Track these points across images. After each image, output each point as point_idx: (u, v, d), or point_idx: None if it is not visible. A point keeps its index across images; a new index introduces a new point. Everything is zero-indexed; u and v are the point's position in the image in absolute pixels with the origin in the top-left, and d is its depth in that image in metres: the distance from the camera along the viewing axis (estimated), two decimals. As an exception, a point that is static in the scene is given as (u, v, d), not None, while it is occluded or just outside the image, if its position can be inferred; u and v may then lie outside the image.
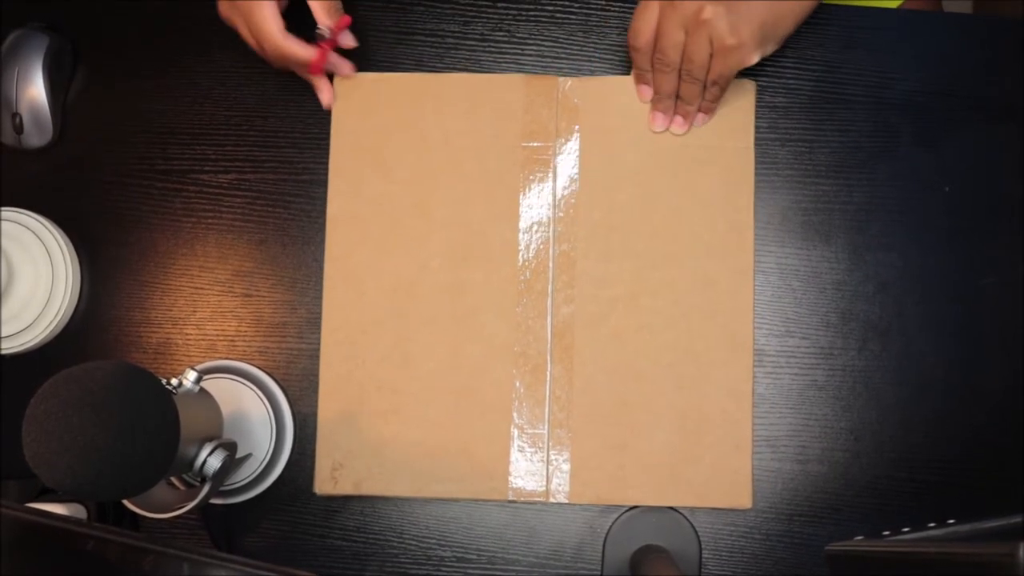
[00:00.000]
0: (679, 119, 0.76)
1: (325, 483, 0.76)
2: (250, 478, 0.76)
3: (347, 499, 0.78)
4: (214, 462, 0.63)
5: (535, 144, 0.77)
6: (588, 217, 0.77)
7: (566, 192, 0.77)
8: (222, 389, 0.76)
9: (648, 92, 0.76)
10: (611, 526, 0.77)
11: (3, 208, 0.78)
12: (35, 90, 0.78)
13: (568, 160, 0.77)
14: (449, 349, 0.77)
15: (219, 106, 0.81)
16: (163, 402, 0.57)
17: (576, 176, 0.77)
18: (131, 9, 0.81)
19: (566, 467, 0.75)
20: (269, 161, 0.80)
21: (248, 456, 0.76)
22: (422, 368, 0.77)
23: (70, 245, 0.79)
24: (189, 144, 0.81)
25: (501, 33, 0.80)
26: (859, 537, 0.51)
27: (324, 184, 0.79)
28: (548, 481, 0.75)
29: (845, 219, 0.78)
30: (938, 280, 0.78)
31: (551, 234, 0.77)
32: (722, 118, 0.77)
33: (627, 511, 0.77)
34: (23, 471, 0.55)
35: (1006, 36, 0.79)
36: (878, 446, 0.77)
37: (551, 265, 0.77)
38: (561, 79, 0.78)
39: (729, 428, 0.75)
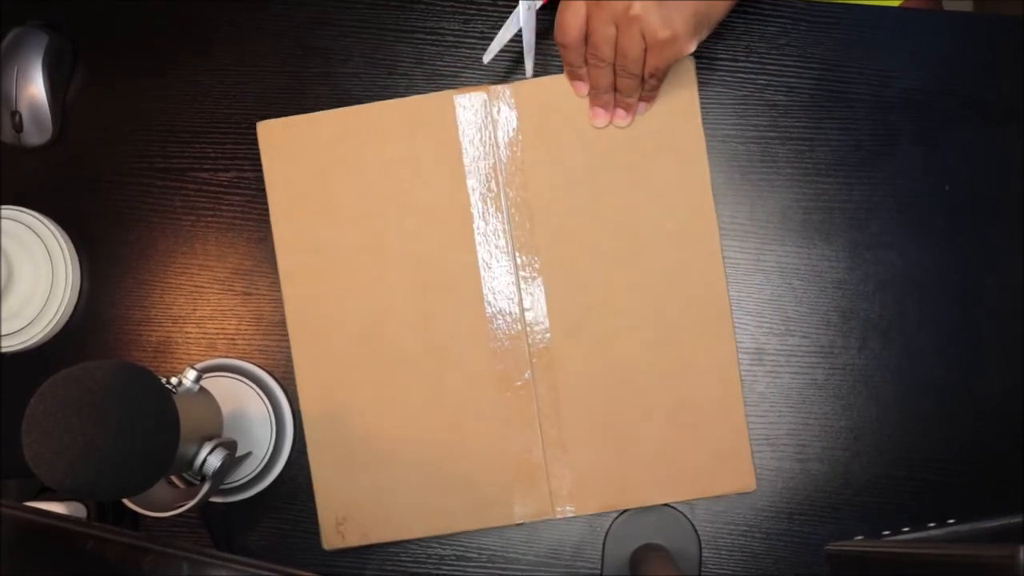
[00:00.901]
0: (621, 112, 0.74)
1: (332, 538, 0.76)
2: (250, 476, 0.76)
3: (347, 498, 0.78)
4: (214, 461, 0.63)
5: (479, 160, 0.76)
6: (546, 225, 0.76)
7: (519, 204, 0.76)
8: (222, 388, 0.76)
9: (583, 88, 0.74)
10: (611, 525, 0.77)
11: (3, 207, 0.78)
12: (35, 88, 0.78)
13: (516, 170, 0.76)
14: (429, 385, 0.75)
15: (219, 104, 0.80)
16: (163, 401, 0.57)
17: (527, 185, 0.76)
18: (131, 8, 0.81)
19: (568, 482, 0.75)
20: (269, 159, 0.80)
21: (248, 455, 0.76)
22: (406, 408, 0.76)
23: (70, 244, 0.79)
24: (189, 142, 0.80)
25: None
26: (859, 537, 0.51)
27: (324, 183, 0.79)
28: (552, 498, 0.75)
29: (845, 218, 0.78)
30: (938, 279, 0.78)
31: (511, 250, 0.76)
32: (665, 101, 0.75)
33: (627, 510, 0.77)
34: (23, 471, 0.55)
35: (1006, 36, 0.79)
36: (878, 445, 0.77)
37: (516, 283, 0.76)
38: (493, 87, 0.76)
39: (722, 414, 0.75)
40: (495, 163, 0.76)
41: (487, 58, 0.74)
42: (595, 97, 0.74)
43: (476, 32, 0.80)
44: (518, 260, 0.76)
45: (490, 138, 0.76)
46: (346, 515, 0.75)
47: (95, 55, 0.81)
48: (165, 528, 0.78)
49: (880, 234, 0.78)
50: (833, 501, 0.77)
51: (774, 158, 0.78)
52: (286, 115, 0.79)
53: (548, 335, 0.75)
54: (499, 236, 0.76)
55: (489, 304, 0.75)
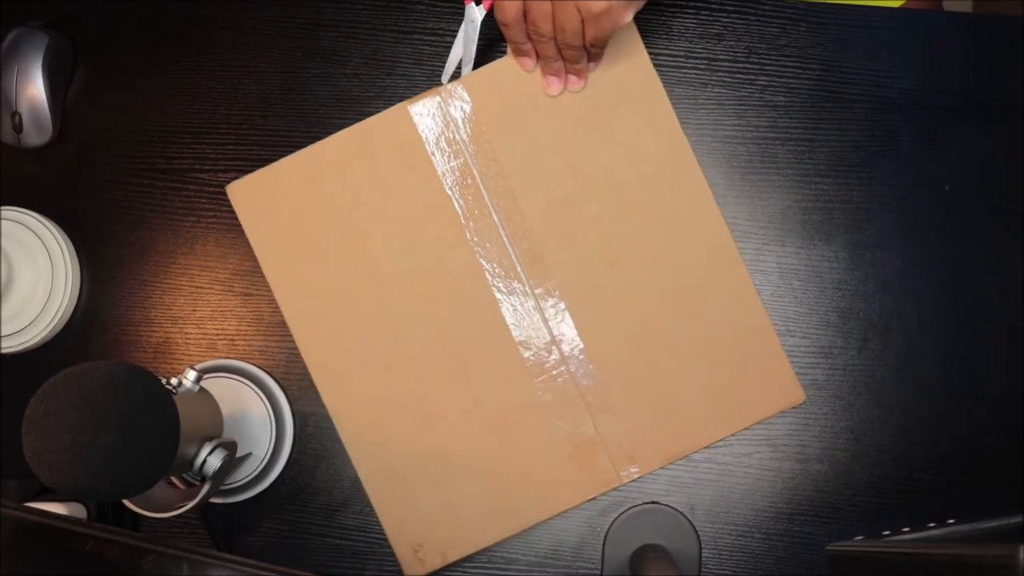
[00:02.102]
0: (572, 78, 0.74)
1: (413, 567, 0.75)
2: (250, 477, 0.76)
3: (346, 497, 0.78)
4: (214, 461, 0.63)
5: (449, 161, 0.75)
6: (533, 206, 0.75)
7: (501, 193, 0.75)
8: (222, 388, 0.76)
9: (529, 62, 0.74)
10: (611, 526, 0.77)
11: (3, 207, 0.78)
12: (35, 89, 0.78)
13: (488, 161, 0.75)
14: (465, 392, 0.75)
15: (219, 105, 0.81)
16: (163, 402, 0.57)
17: (503, 173, 0.75)
18: (131, 9, 0.81)
19: (625, 445, 0.75)
20: (269, 160, 0.80)
21: (248, 455, 0.76)
22: (447, 420, 0.75)
23: (70, 245, 0.79)
24: (189, 143, 0.81)
25: (498, 32, 0.79)
26: (859, 537, 0.51)
27: (324, 183, 0.79)
28: (615, 465, 0.75)
29: (845, 218, 0.78)
30: (938, 279, 0.78)
31: (506, 239, 0.75)
32: (611, 53, 0.74)
33: (627, 511, 0.77)
34: (23, 471, 0.55)
35: (1006, 36, 0.79)
36: (878, 445, 0.77)
37: (520, 269, 0.75)
38: (443, 87, 0.75)
39: (753, 337, 0.75)
40: (466, 160, 0.75)
41: (445, 79, 0.75)
42: (545, 66, 0.74)
43: (476, 33, 0.80)
44: (516, 248, 0.75)
45: (454, 137, 0.75)
46: (421, 541, 0.75)
47: (95, 56, 0.81)
48: (165, 529, 0.78)
49: (880, 234, 0.78)
50: (833, 501, 0.77)
51: (774, 159, 0.78)
52: (286, 117, 0.79)
53: (565, 311, 0.75)
54: (491, 230, 0.75)
55: (500, 299, 0.75)
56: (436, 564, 0.75)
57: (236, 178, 0.80)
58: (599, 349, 0.75)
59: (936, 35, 0.79)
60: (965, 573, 0.40)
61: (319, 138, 0.78)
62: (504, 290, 0.75)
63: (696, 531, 0.77)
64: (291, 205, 0.76)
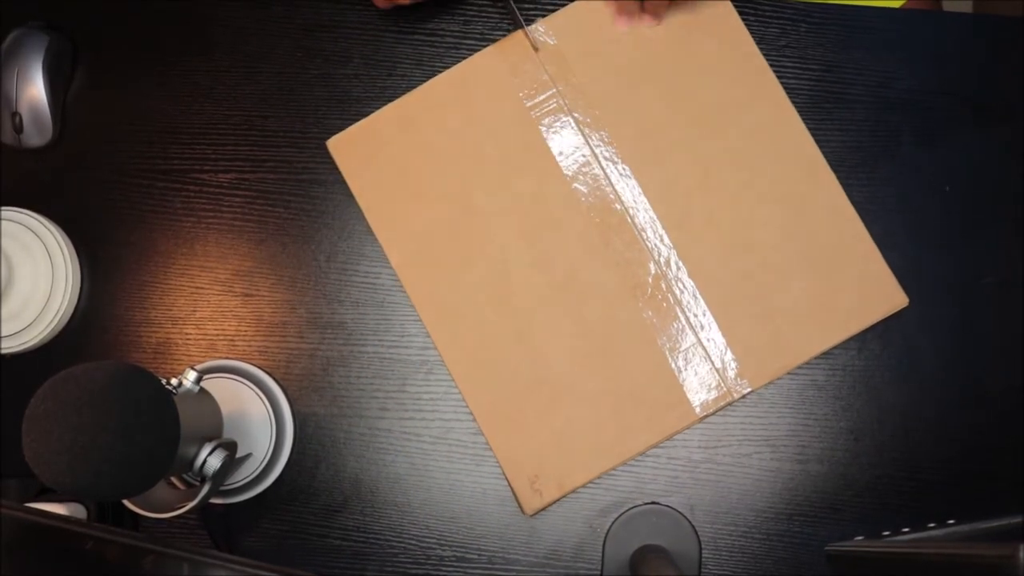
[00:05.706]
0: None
1: (532, 500, 0.76)
2: (250, 478, 0.76)
3: (346, 498, 0.78)
4: (214, 462, 0.63)
5: (538, 98, 0.77)
6: (622, 135, 0.77)
7: (590, 124, 0.77)
8: (222, 389, 0.76)
9: None
10: (611, 526, 0.77)
11: (3, 208, 0.78)
12: (35, 89, 0.78)
13: (575, 94, 0.77)
14: (570, 319, 0.76)
15: (219, 106, 0.81)
16: (163, 402, 0.57)
17: (591, 104, 0.77)
18: (131, 9, 0.81)
19: (731, 361, 0.75)
20: (269, 161, 0.80)
21: (248, 456, 0.76)
22: (555, 349, 0.76)
23: (70, 245, 0.79)
24: (189, 144, 0.81)
25: (500, 33, 0.80)
26: (859, 537, 0.51)
27: (323, 184, 0.79)
28: (724, 381, 0.75)
29: (845, 219, 0.78)
30: (938, 279, 0.78)
31: (600, 167, 0.77)
32: None
33: (627, 511, 0.77)
34: (23, 471, 0.55)
35: (1006, 36, 0.79)
36: (878, 446, 0.77)
37: (616, 195, 0.77)
38: (528, 29, 0.77)
39: (848, 242, 0.76)
40: (554, 95, 0.77)
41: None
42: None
43: (476, 33, 0.80)
44: (609, 175, 0.77)
45: (540, 74, 0.77)
46: (537, 472, 0.76)
47: (95, 56, 0.81)
48: (165, 529, 0.78)
49: (880, 235, 0.78)
50: (833, 502, 0.77)
51: (774, 159, 0.78)
52: (285, 117, 0.79)
53: (663, 232, 0.76)
54: (583, 159, 0.77)
55: (597, 224, 0.76)
56: (554, 494, 0.75)
57: (236, 179, 0.80)
58: (698, 267, 0.76)
59: (936, 36, 0.79)
60: (965, 573, 0.40)
61: (320, 138, 0.79)
62: (600, 217, 0.77)
63: (696, 531, 0.77)
64: (390, 153, 0.78)
